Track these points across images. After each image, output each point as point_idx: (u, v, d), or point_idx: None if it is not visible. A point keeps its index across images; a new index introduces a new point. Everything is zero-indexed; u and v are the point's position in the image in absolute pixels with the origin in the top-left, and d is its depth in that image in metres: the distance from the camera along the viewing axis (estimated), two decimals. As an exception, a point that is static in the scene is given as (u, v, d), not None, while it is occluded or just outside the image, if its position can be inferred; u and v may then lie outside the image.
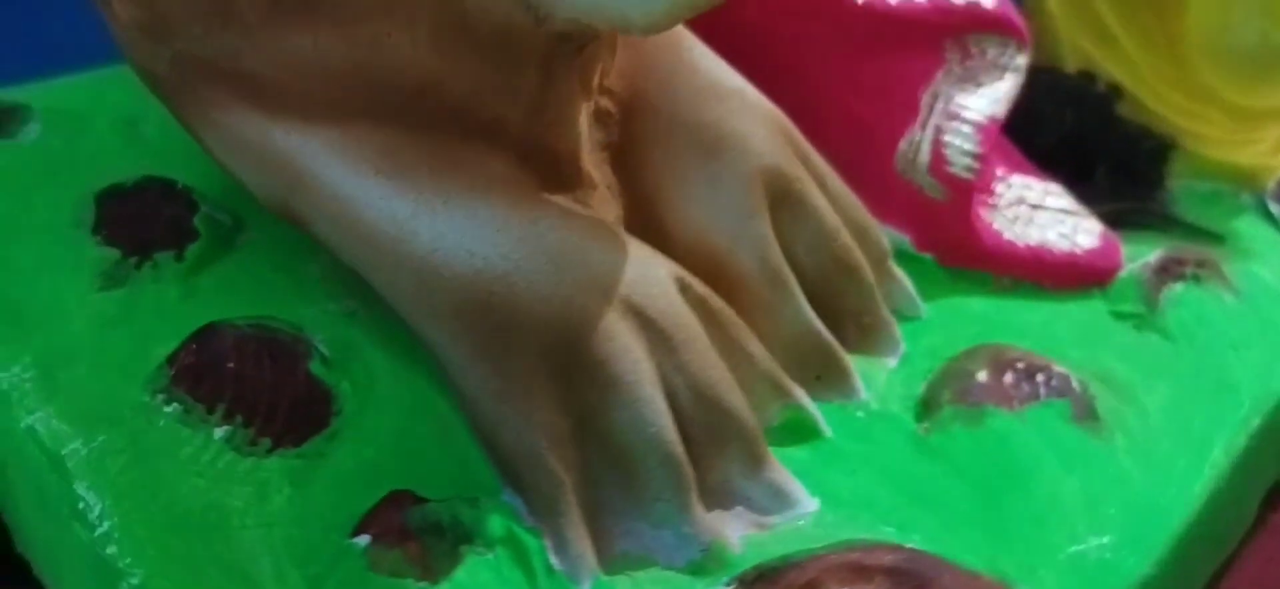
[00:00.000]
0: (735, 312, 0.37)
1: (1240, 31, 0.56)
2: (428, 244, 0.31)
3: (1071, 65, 0.54)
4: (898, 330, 0.40)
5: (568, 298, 0.31)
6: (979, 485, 0.34)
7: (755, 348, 0.34)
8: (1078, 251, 0.44)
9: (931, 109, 0.43)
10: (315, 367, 0.35)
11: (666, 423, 0.31)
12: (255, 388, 0.34)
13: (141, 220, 0.41)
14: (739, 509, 0.32)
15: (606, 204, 0.37)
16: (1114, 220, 0.49)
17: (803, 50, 0.43)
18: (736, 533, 0.31)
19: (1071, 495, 0.34)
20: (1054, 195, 0.46)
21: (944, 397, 0.37)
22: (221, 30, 0.32)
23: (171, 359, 0.35)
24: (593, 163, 0.37)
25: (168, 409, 0.34)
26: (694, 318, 0.33)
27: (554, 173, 0.36)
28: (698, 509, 0.31)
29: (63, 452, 0.32)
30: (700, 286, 0.34)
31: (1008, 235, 0.44)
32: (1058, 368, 0.39)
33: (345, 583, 0.29)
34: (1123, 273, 0.45)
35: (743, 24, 0.44)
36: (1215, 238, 0.51)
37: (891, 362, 0.39)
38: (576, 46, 0.35)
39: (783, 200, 0.37)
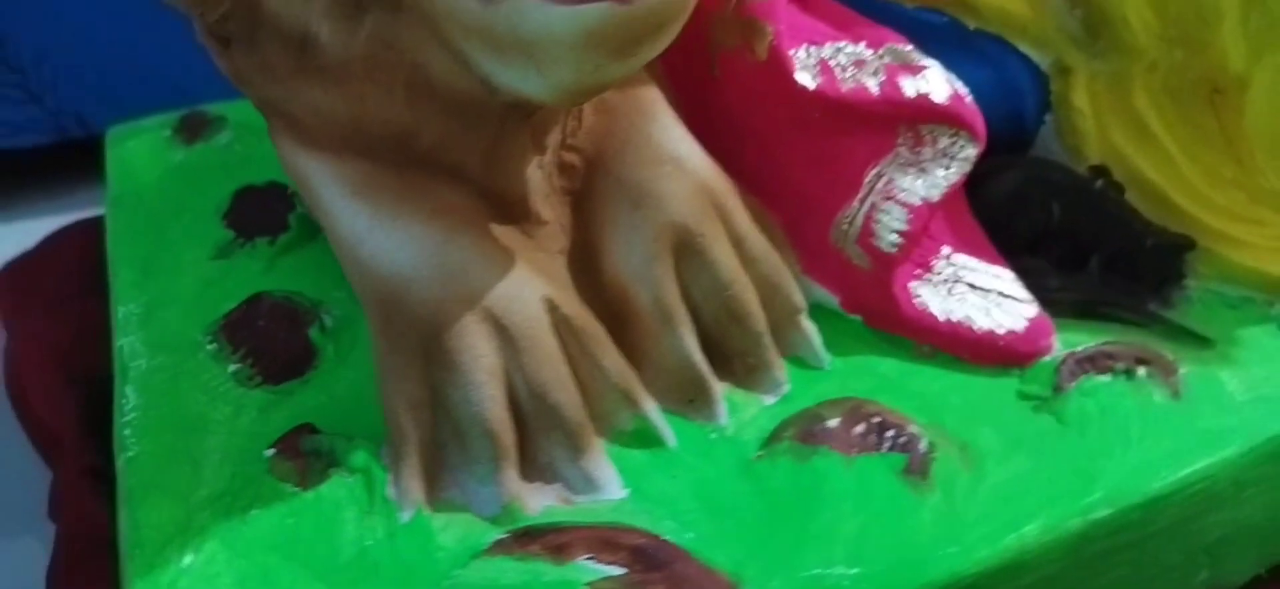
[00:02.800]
0: (633, 338, 0.44)
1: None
2: (370, 251, 0.42)
3: (1097, 159, 0.55)
4: (783, 374, 0.45)
5: (440, 301, 0.40)
6: (772, 507, 0.39)
7: (610, 362, 0.41)
8: (998, 331, 0.47)
9: (872, 188, 0.48)
10: (314, 332, 0.46)
11: (491, 405, 0.39)
12: (268, 341, 0.46)
13: (257, 213, 0.54)
14: (557, 486, 0.40)
15: (554, 239, 0.46)
16: (1087, 311, 0.51)
17: (769, 130, 0.49)
18: (540, 502, 0.39)
19: (849, 531, 0.38)
20: (997, 278, 0.49)
21: (788, 432, 0.42)
22: (270, 83, 0.44)
23: (227, 314, 0.47)
24: (549, 204, 0.46)
25: (210, 348, 0.46)
26: (546, 330, 0.40)
27: (506, 209, 0.45)
28: (508, 475, 0.39)
29: (130, 365, 0.45)
30: (569, 308, 0.41)
31: (932, 307, 0.48)
32: (913, 429, 0.42)
33: (250, 480, 0.39)
34: (1047, 357, 0.47)
35: (725, 105, 0.50)
36: (1201, 341, 0.51)
37: (769, 399, 0.44)
38: (525, 112, 0.44)
39: (685, 252, 0.44)
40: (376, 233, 0.42)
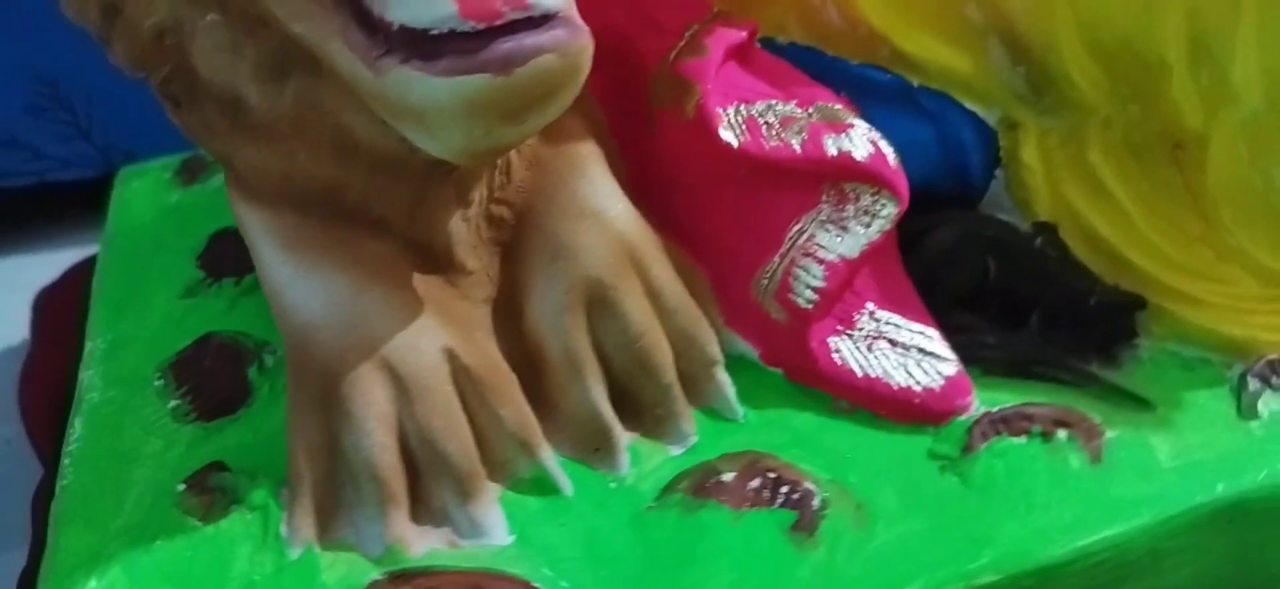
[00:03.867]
0: (544, 387, 0.45)
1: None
2: (289, 300, 0.43)
3: (1047, 216, 0.55)
4: (691, 425, 0.45)
5: (341, 350, 0.41)
6: (653, 559, 0.40)
7: (507, 411, 0.43)
8: (915, 389, 0.47)
9: (793, 244, 0.48)
10: (253, 371, 0.48)
11: (380, 452, 0.40)
12: (209, 379, 0.48)
13: (229, 254, 0.56)
14: (446, 530, 0.41)
15: (479, 287, 0.47)
16: (1020, 370, 0.50)
17: (697, 185, 0.50)
18: (426, 545, 0.40)
19: (722, 586, 0.39)
20: (920, 335, 0.49)
21: (682, 485, 0.43)
22: (213, 139, 0.46)
23: (180, 352, 0.50)
24: (475, 254, 0.47)
25: (157, 384, 0.48)
26: (443, 379, 0.42)
27: (431, 259, 0.46)
28: (394, 518, 0.40)
29: (85, 397, 0.48)
30: (470, 358, 0.43)
31: (850, 363, 0.47)
32: (808, 485, 0.42)
33: (161, 513, 0.41)
34: (963, 417, 0.47)
35: (660, 159, 0.51)
36: (1140, 404, 0.50)
37: (676, 450, 0.45)
38: (447, 168, 0.45)
39: (598, 304, 0.45)
40: (296, 283, 0.43)
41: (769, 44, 0.55)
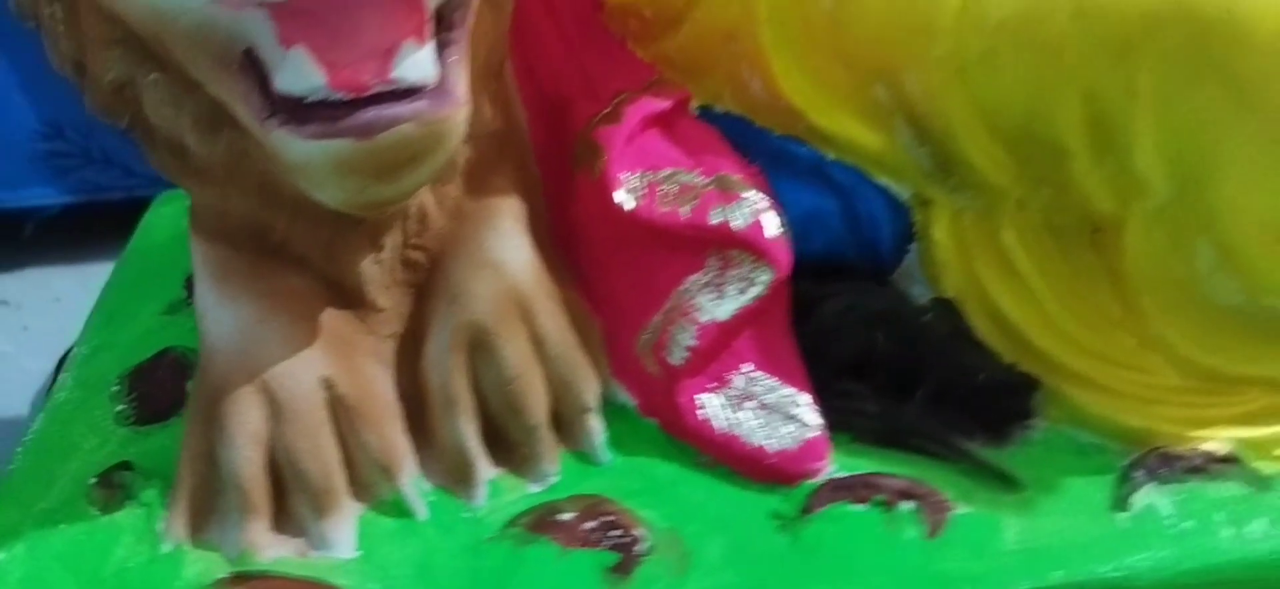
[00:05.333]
0: (427, 419, 0.49)
1: (1211, 284, 0.53)
2: (207, 324, 0.49)
3: (955, 293, 0.55)
4: (553, 466, 0.48)
5: (228, 372, 0.46)
6: (471, 585, 0.43)
7: (372, 439, 0.46)
8: (769, 448, 0.48)
9: (674, 304, 0.51)
10: (190, 384, 0.54)
11: (246, 465, 0.45)
12: (154, 388, 0.54)
13: (208, 279, 0.62)
14: (300, 541, 0.45)
15: (387, 324, 0.51)
16: (894, 440, 0.51)
17: (599, 242, 0.53)
18: (277, 552, 0.44)
19: None
20: (789, 399, 0.50)
21: (524, 520, 0.46)
22: (172, 179, 0.52)
23: (141, 362, 0.56)
24: (388, 294, 0.51)
25: (113, 389, 0.55)
26: (316, 406, 0.46)
27: (345, 296, 0.51)
28: (251, 526, 0.45)
29: (54, 396, 0.55)
30: (347, 388, 0.47)
31: (714, 419, 0.49)
32: (639, 531, 0.45)
33: (74, 501, 0.47)
34: (811, 480, 0.48)
35: (575, 216, 0.55)
36: (1008, 483, 0.50)
37: (535, 487, 0.48)
38: (359, 216, 0.50)
39: (479, 347, 0.49)
40: (215, 309, 0.49)
41: (706, 111, 0.58)
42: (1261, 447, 0.53)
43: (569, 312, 0.52)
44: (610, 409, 0.51)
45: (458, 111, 0.44)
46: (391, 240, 0.51)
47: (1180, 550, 0.46)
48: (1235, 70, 0.48)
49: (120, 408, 0.52)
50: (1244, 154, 0.49)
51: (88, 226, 0.98)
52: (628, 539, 0.44)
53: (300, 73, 0.41)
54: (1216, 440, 0.52)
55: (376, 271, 0.50)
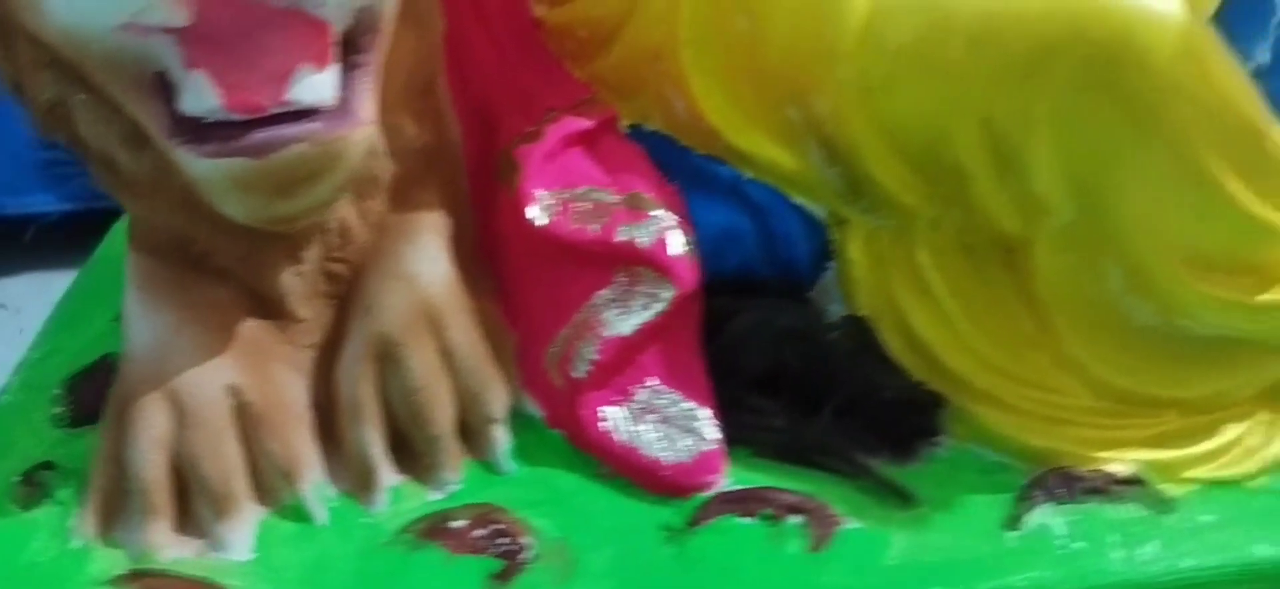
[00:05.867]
0: (336, 426, 0.51)
1: (1124, 305, 0.53)
2: (130, 332, 0.51)
3: (869, 311, 0.55)
4: (454, 475, 0.49)
5: (140, 378, 0.48)
6: (352, 585, 0.44)
7: (275, 446, 0.48)
8: (664, 461, 0.49)
9: (581, 319, 0.52)
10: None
11: (149, 468, 0.46)
12: (92, 392, 0.56)
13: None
14: (202, 542, 0.47)
15: (308, 335, 0.53)
16: (795, 455, 0.52)
17: (515, 257, 0.54)
18: (177, 552, 0.46)
19: None
20: (690, 414, 0.51)
21: (417, 526, 0.47)
22: (109, 192, 0.54)
23: (83, 368, 0.58)
24: (309, 305, 0.53)
25: (56, 393, 0.57)
26: (221, 413, 0.48)
27: (266, 307, 0.52)
28: (153, 526, 0.46)
29: (3, 397, 0.57)
30: (254, 395, 0.48)
31: (615, 432, 0.50)
32: (526, 539, 0.46)
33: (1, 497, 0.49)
34: (703, 493, 0.49)
35: (503, 235, 0.56)
36: (903, 499, 0.50)
37: (435, 495, 0.49)
38: (275, 230, 0.52)
39: (387, 358, 0.50)
40: (138, 318, 0.51)
41: (636, 130, 0.59)
42: (1170, 469, 0.53)
43: (483, 324, 0.53)
44: (519, 420, 0.52)
45: (356, 131, 0.45)
46: (312, 253, 0.52)
47: (1067, 571, 0.46)
48: (1131, 95, 0.48)
49: (57, 411, 0.55)
50: (1144, 177, 0.50)
51: (86, 233, 1.00)
52: (514, 547, 0.45)
53: (200, 95, 0.43)
54: (1122, 462, 0.52)
55: (297, 283, 0.52)
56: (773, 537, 0.46)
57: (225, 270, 0.52)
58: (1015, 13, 0.48)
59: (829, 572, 0.45)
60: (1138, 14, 0.47)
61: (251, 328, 0.51)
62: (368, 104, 0.46)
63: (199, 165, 0.44)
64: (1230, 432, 0.55)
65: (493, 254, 0.56)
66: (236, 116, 0.43)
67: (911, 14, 0.49)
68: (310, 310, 0.53)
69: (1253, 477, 0.53)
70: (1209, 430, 0.54)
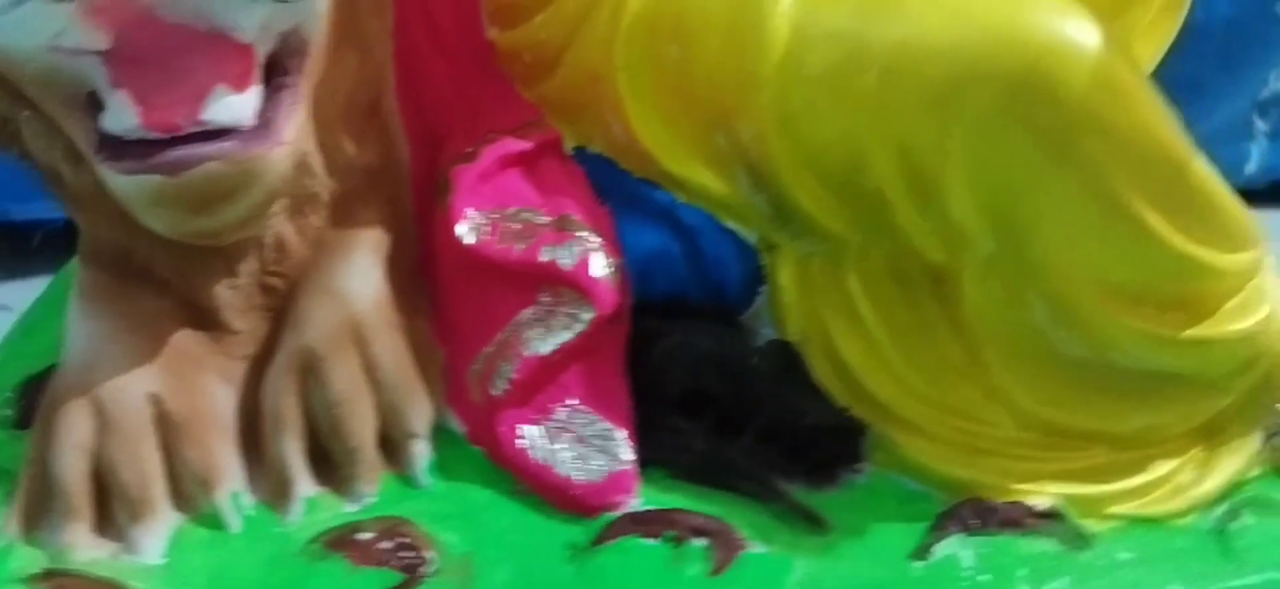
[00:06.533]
0: (259, 436, 0.52)
1: (1053, 337, 0.53)
2: (67, 341, 0.52)
3: (798, 336, 0.56)
4: (370, 487, 0.50)
5: (68, 385, 0.50)
6: (255, 590, 0.45)
7: (192, 454, 0.49)
8: (575, 479, 0.50)
9: (504, 337, 0.52)
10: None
11: (70, 472, 0.48)
12: (38, 397, 0.58)
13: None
14: (118, 544, 0.48)
15: (242, 346, 0.54)
16: (710, 478, 0.52)
17: (446, 274, 0.55)
18: (93, 554, 0.47)
19: None
20: (605, 434, 0.51)
21: (326, 537, 0.48)
22: (59, 203, 0.56)
23: (38, 373, 0.60)
24: (245, 317, 0.54)
25: (8, 395, 0.59)
26: (142, 421, 0.49)
27: (201, 318, 0.54)
28: (71, 528, 0.48)
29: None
30: (175, 404, 0.50)
31: (531, 450, 0.51)
32: (429, 553, 0.47)
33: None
34: (611, 513, 0.49)
35: (434, 251, 0.57)
36: (815, 525, 0.50)
37: (351, 507, 0.50)
38: (210, 244, 0.53)
39: (309, 371, 0.51)
40: (76, 327, 0.52)
41: (581, 152, 0.60)
42: (1094, 504, 0.53)
43: (413, 342, 0.54)
44: (443, 436, 0.53)
45: (274, 151, 0.47)
46: (247, 267, 0.54)
47: (966, 603, 0.46)
48: (1042, 127, 0.48)
49: (7, 413, 0.56)
50: (1059, 210, 0.49)
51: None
52: (415, 560, 0.46)
53: (120, 113, 0.45)
54: (1043, 495, 0.52)
55: (232, 296, 0.53)
56: (674, 558, 0.46)
57: (164, 282, 0.53)
58: (928, 43, 0.48)
59: (707, 594, 0.45)
60: (1049, 45, 0.47)
61: (184, 338, 0.53)
62: (290, 125, 0.48)
63: (119, 181, 0.45)
64: (1160, 468, 0.54)
65: (430, 273, 0.57)
66: (154, 135, 0.45)
67: (829, 42, 0.49)
68: (245, 323, 0.54)
69: (1181, 515, 0.53)
70: (1137, 466, 0.54)
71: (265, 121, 0.47)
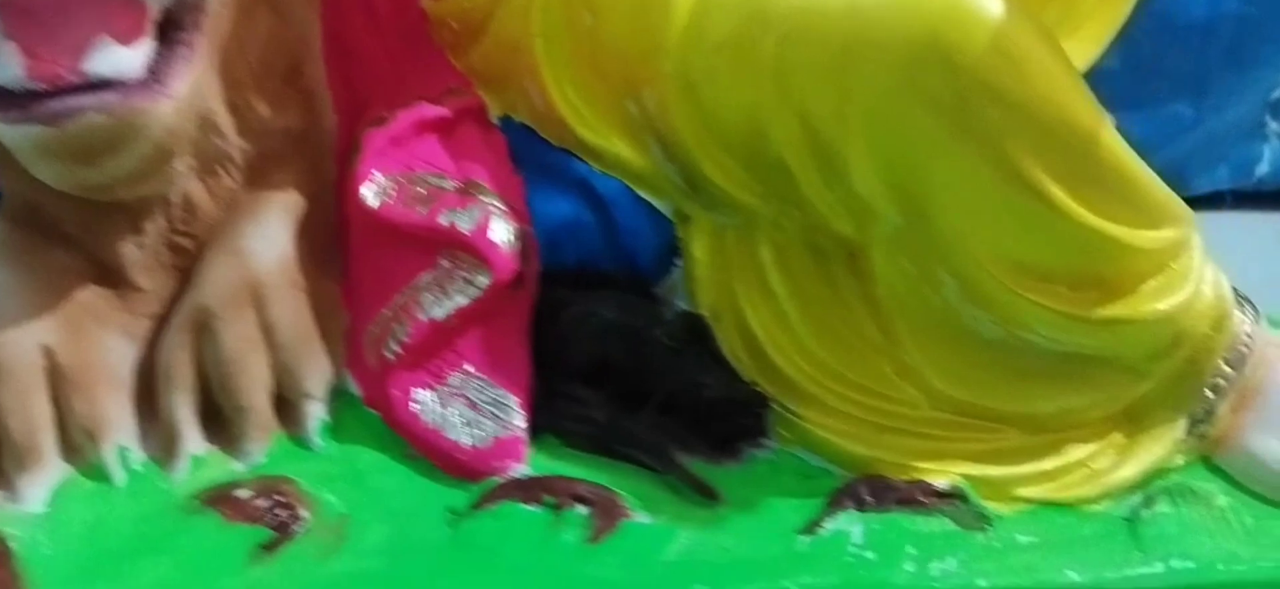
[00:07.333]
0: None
1: (965, 315, 0.52)
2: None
3: (709, 309, 0.55)
4: (258, 447, 0.50)
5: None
6: (128, 546, 0.45)
7: (80, 407, 0.49)
8: (463, 444, 0.49)
9: (401, 301, 0.52)
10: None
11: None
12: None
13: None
14: (6, 492, 0.49)
15: (147, 305, 0.54)
16: (605, 447, 0.52)
17: (353, 238, 0.55)
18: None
19: (153, 575, 0.44)
20: (498, 400, 0.51)
21: (204, 493, 0.48)
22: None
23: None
24: (151, 276, 0.54)
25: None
26: (32, 372, 0.48)
27: (108, 275, 0.54)
28: None
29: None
30: (67, 357, 0.49)
31: (423, 414, 0.51)
32: (304, 512, 0.46)
33: None
34: (497, 478, 0.49)
35: (347, 218, 0.57)
36: (706, 494, 0.50)
37: (238, 466, 0.50)
38: (119, 201, 0.53)
39: (204, 329, 0.51)
40: None
41: (506, 121, 0.60)
42: (1002, 486, 0.51)
43: (318, 304, 0.54)
44: (342, 399, 0.53)
45: (158, 105, 0.47)
46: (153, 225, 0.54)
47: (847, 579, 0.45)
48: (939, 96, 0.46)
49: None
50: (960, 183, 0.48)
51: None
52: (288, 519, 0.45)
53: (7, 64, 0.45)
54: (946, 475, 0.51)
55: (138, 254, 0.54)
56: (551, 525, 0.46)
57: (73, 238, 0.54)
58: (826, 9, 0.47)
59: (599, 563, 0.44)
60: (946, 11, 0.45)
61: (88, 294, 0.53)
62: (180, 81, 0.48)
63: (7, 133, 0.46)
64: (1074, 453, 0.53)
65: (345, 238, 0.57)
66: (38, 85, 0.45)
67: (729, 8, 0.49)
68: (152, 281, 0.54)
69: (1093, 501, 0.51)
70: (1050, 450, 0.52)
71: (154, 76, 0.47)
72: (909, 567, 0.45)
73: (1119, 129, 0.48)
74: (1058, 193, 0.47)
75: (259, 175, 0.56)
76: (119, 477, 0.49)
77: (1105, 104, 0.49)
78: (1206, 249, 0.52)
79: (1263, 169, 1.09)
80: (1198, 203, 0.47)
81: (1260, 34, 1.06)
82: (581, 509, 0.46)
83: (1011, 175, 0.47)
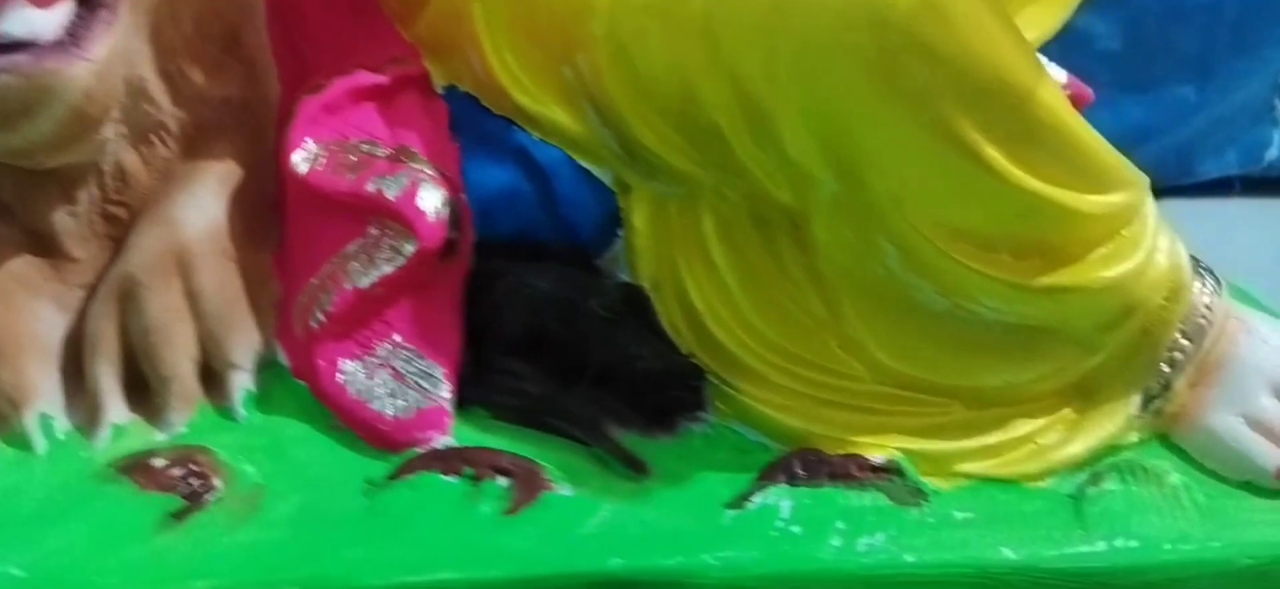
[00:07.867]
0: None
1: (908, 286, 0.50)
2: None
3: (650, 280, 0.54)
4: (179, 417, 0.49)
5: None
6: (40, 511, 0.45)
7: (5, 375, 0.49)
8: (386, 414, 0.48)
9: (329, 270, 0.51)
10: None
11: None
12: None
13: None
14: None
15: (80, 274, 0.54)
16: (534, 419, 0.51)
17: (286, 207, 0.55)
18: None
19: (58, 542, 0.43)
20: (425, 371, 0.50)
21: (121, 462, 0.47)
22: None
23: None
24: (85, 245, 0.54)
25: None
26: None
27: (41, 245, 0.54)
28: None
29: None
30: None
31: (349, 384, 0.50)
32: (217, 481, 0.46)
33: None
34: (418, 449, 0.48)
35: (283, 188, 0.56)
36: (635, 467, 0.48)
37: (160, 435, 0.49)
38: (51, 170, 0.53)
39: (128, 298, 0.51)
40: None
41: (452, 90, 0.59)
42: (942, 461, 0.50)
43: (249, 274, 0.53)
44: (271, 370, 0.52)
45: (73, 67, 0.46)
46: (86, 194, 0.53)
47: (770, 553, 0.44)
48: (871, 53, 0.45)
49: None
50: (892, 145, 0.47)
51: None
52: (201, 488, 0.45)
53: None
54: (883, 450, 0.49)
55: (71, 223, 0.53)
56: (468, 496, 0.45)
57: (6, 207, 0.53)
58: (753, -35, 0.46)
59: (514, 535, 0.43)
60: (873, -36, 0.44)
61: (20, 263, 0.52)
62: (99, 44, 0.47)
63: None
64: (1020, 428, 0.51)
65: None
66: None
67: (658, -33, 0.48)
68: (85, 251, 0.54)
69: (1037, 478, 0.50)
70: (994, 425, 0.51)
71: (72, 38, 0.46)
72: (836, 542, 0.43)
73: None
74: (993, 154, 0.46)
75: (196, 145, 0.55)
76: (40, 445, 0.48)
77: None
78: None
79: (1272, 153, 1.06)
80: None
81: (1267, 13, 1.03)
82: (501, 481, 0.45)
83: (944, 135, 0.45)
